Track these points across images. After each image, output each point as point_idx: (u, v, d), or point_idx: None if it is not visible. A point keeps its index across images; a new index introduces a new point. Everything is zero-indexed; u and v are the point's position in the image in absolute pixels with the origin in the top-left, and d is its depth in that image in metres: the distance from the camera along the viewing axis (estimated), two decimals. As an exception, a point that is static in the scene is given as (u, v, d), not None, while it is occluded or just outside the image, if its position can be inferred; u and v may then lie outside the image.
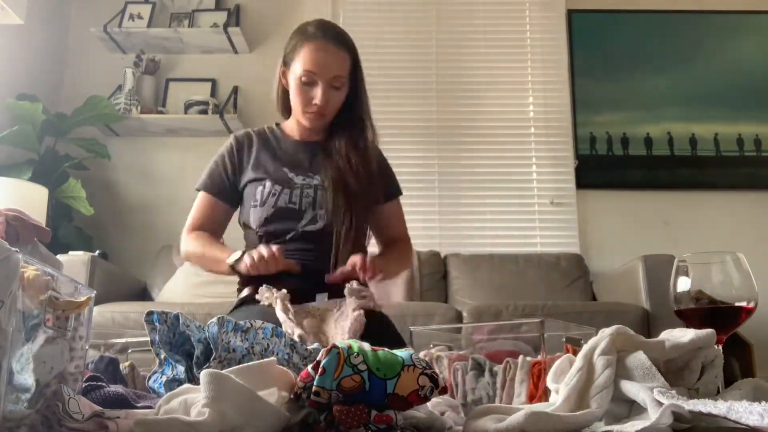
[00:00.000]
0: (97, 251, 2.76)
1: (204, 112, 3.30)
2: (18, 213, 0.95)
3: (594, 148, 3.44)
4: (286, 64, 1.57)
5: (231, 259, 1.42)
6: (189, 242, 1.57)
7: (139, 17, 3.46)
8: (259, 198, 1.51)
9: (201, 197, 1.62)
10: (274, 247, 1.36)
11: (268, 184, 1.52)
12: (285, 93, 1.61)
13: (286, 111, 1.64)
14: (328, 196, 1.50)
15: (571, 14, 3.58)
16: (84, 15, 3.54)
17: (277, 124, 1.69)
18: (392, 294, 2.95)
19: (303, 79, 1.50)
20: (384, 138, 3.86)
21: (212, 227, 1.60)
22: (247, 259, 1.37)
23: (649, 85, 3.50)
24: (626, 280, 2.68)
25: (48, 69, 3.42)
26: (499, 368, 0.92)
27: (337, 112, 1.57)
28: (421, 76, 3.52)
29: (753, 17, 3.58)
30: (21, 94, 3.06)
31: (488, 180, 3.42)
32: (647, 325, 2.45)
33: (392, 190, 1.69)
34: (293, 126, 1.64)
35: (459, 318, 2.48)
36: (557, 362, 0.73)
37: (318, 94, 1.50)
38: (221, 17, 3.45)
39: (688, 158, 3.42)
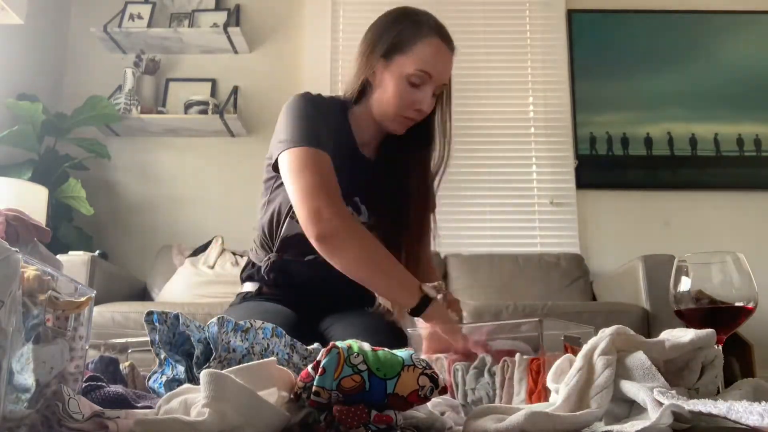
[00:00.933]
0: (97, 251, 2.76)
1: (204, 112, 3.30)
2: (18, 213, 0.95)
3: (594, 148, 3.43)
4: (389, 57, 1.31)
5: (415, 303, 1.14)
6: (363, 238, 1.19)
7: (139, 17, 3.46)
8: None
9: (316, 155, 1.23)
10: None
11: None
12: (363, 86, 1.36)
13: (353, 103, 1.39)
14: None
15: (571, 14, 3.58)
16: (84, 15, 3.54)
17: (349, 107, 1.40)
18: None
19: (413, 79, 1.30)
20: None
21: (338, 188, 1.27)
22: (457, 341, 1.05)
23: (649, 85, 3.50)
24: (626, 280, 2.68)
25: (48, 69, 3.42)
26: (497, 368, 0.92)
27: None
28: (421, 76, 3.52)
29: (753, 17, 3.58)
30: (21, 94, 3.06)
31: (488, 180, 3.42)
32: (647, 325, 2.45)
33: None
34: (361, 121, 1.39)
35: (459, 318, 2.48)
36: (557, 362, 0.73)
37: (426, 98, 1.32)
38: (221, 17, 3.45)
39: (688, 158, 3.42)
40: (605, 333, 0.69)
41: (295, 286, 1.38)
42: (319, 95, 1.38)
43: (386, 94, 1.31)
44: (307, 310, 1.36)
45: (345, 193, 1.25)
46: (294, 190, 1.21)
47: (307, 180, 1.20)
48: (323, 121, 1.30)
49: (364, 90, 1.37)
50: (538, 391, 0.87)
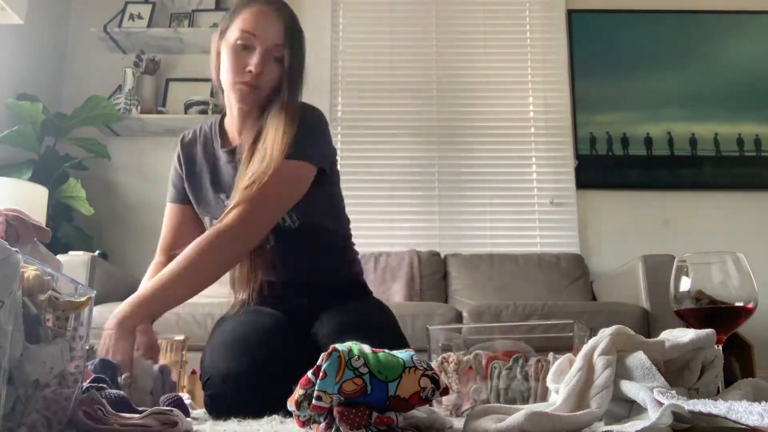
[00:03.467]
0: (97, 251, 2.76)
1: (204, 112, 3.30)
2: (18, 213, 0.94)
3: (594, 148, 3.43)
4: (223, 35, 1.43)
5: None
6: (151, 267, 1.49)
7: (139, 17, 3.46)
8: (208, 225, 1.47)
9: (169, 209, 1.57)
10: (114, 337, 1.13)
11: (206, 220, 1.47)
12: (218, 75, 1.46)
13: (220, 95, 1.50)
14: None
15: (571, 14, 3.58)
16: (84, 15, 3.54)
17: (223, 116, 1.53)
18: (392, 294, 2.95)
19: (239, 42, 1.36)
20: (384, 138, 3.86)
21: (185, 233, 1.48)
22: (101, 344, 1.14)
23: (649, 85, 3.50)
24: (626, 280, 2.68)
25: (48, 69, 3.42)
26: (530, 367, 0.93)
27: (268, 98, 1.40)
28: (421, 76, 3.52)
29: (753, 17, 3.58)
30: (21, 94, 3.06)
31: (488, 180, 3.42)
32: (647, 325, 2.45)
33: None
34: (228, 118, 1.49)
35: (459, 318, 2.48)
36: (557, 362, 0.73)
37: (255, 59, 1.35)
38: (221, 17, 3.45)
39: (688, 158, 3.42)
40: (605, 333, 0.69)
41: (281, 287, 1.41)
42: (192, 137, 1.55)
43: (223, 68, 1.41)
44: (300, 310, 1.37)
45: (230, 191, 1.40)
46: None
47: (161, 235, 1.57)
48: (190, 165, 1.51)
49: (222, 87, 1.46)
50: None
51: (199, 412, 1.29)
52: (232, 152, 1.44)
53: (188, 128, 1.60)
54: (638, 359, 0.66)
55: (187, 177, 1.52)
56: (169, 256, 1.44)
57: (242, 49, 1.36)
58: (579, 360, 0.67)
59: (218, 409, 1.15)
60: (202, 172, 1.50)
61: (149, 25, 3.43)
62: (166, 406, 0.88)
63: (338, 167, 1.54)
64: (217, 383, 1.17)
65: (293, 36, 1.41)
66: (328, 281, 1.43)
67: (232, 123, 1.48)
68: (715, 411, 0.56)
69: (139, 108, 3.30)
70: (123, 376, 1.01)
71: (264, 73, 1.37)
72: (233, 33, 1.38)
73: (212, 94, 3.43)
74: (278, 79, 1.40)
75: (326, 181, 1.43)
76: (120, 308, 1.17)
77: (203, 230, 1.48)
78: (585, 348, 0.68)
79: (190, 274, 1.22)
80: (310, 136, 1.40)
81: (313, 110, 1.46)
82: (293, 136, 1.34)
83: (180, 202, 1.55)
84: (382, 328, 1.33)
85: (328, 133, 1.48)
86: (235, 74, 1.37)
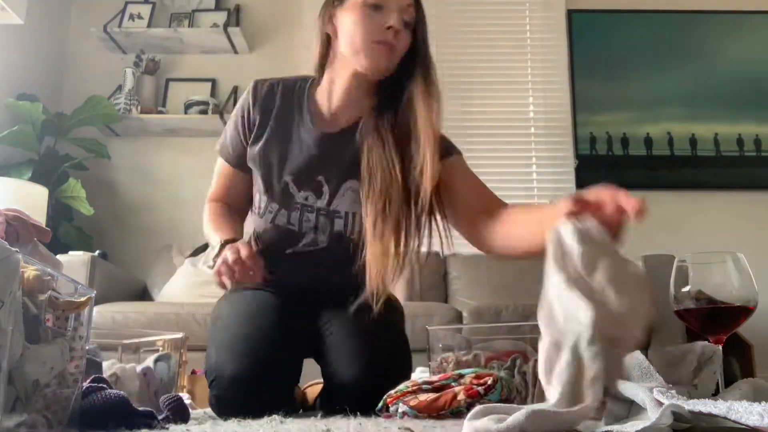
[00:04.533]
0: (97, 251, 2.76)
1: (204, 112, 3.30)
2: (18, 213, 0.95)
3: (594, 148, 3.43)
4: (341, 1, 1.27)
5: (208, 259, 1.27)
6: (207, 210, 1.41)
7: (139, 17, 3.46)
8: (256, 205, 1.36)
9: (220, 164, 1.42)
10: (244, 252, 1.17)
11: (264, 198, 1.34)
12: (327, 45, 1.31)
13: (322, 68, 1.34)
14: (349, 227, 1.29)
15: (571, 14, 3.58)
16: (84, 15, 3.54)
17: (313, 81, 1.36)
18: (392, 294, 2.94)
19: (371, 1, 1.22)
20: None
21: (236, 199, 1.41)
22: (218, 263, 1.19)
23: (649, 85, 3.50)
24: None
25: (48, 69, 3.42)
26: (528, 367, 0.93)
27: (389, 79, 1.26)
28: (421, 76, 3.52)
29: (753, 17, 3.58)
30: (21, 94, 3.06)
31: (488, 180, 3.38)
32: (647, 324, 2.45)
33: (444, 152, 1.31)
34: (325, 92, 1.33)
35: (459, 318, 2.48)
36: (543, 358, 0.72)
37: (393, 15, 1.21)
38: (221, 17, 3.45)
39: (688, 158, 3.42)
40: (584, 322, 0.66)
41: (284, 284, 1.34)
42: (271, 88, 1.36)
43: (350, 30, 1.24)
44: (304, 304, 1.33)
45: (301, 175, 1.30)
46: None
47: (213, 184, 1.46)
48: (260, 121, 1.33)
49: (327, 53, 1.32)
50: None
51: (199, 412, 1.29)
52: (326, 137, 1.30)
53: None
54: (636, 359, 0.66)
55: (257, 146, 1.33)
56: (222, 204, 1.41)
57: (374, 10, 1.22)
58: (566, 354, 0.66)
59: (224, 410, 1.16)
60: (276, 144, 1.33)
61: (149, 25, 3.43)
62: (167, 406, 0.88)
63: None
64: (224, 385, 1.17)
65: (419, 1, 1.28)
66: (332, 283, 1.34)
67: (327, 99, 1.32)
68: (715, 411, 0.56)
69: (139, 108, 3.30)
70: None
71: (402, 35, 1.23)
72: None
73: (212, 94, 3.44)
74: (406, 49, 1.26)
75: None
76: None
77: (251, 196, 1.39)
78: (570, 341, 0.66)
79: None
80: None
81: None
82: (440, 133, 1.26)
83: (235, 165, 1.40)
84: (386, 333, 1.30)
85: None
86: (372, 33, 1.21)
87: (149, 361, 1.10)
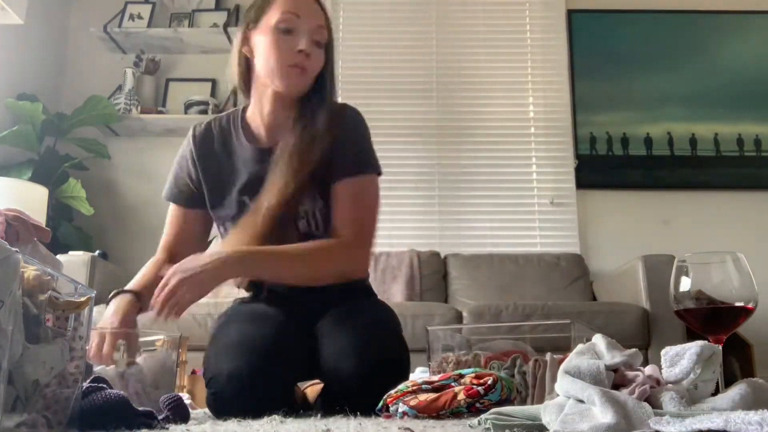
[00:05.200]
0: (97, 251, 2.76)
1: (204, 112, 3.30)
2: (18, 213, 0.95)
3: (594, 148, 3.43)
4: (253, 23, 1.34)
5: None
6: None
7: (139, 17, 3.46)
8: (222, 234, 1.40)
9: (171, 210, 1.45)
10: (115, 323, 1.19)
11: (230, 224, 1.37)
12: (246, 66, 1.38)
13: (245, 92, 1.42)
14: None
15: (571, 14, 3.58)
16: (84, 15, 3.53)
17: (244, 108, 1.44)
18: (392, 294, 2.95)
19: (281, 26, 1.29)
20: (384, 138, 3.86)
21: (188, 242, 1.42)
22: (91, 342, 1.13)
23: (649, 85, 3.50)
24: (626, 280, 2.68)
25: (48, 69, 3.42)
26: (527, 368, 0.93)
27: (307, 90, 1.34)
28: (421, 76, 3.52)
29: (753, 17, 3.58)
30: (21, 94, 3.06)
31: (488, 180, 3.42)
32: (647, 325, 2.45)
33: (345, 169, 1.34)
34: (256, 114, 1.39)
35: (459, 318, 2.48)
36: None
37: (303, 38, 1.29)
38: (221, 17, 3.45)
39: (688, 158, 3.42)
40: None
41: (282, 293, 1.37)
42: (208, 129, 1.43)
43: (265, 53, 1.31)
44: (302, 310, 1.34)
45: (253, 191, 1.34)
46: None
47: (164, 234, 1.47)
48: (204, 161, 1.39)
49: (248, 76, 1.39)
50: None
51: (199, 412, 1.29)
52: (264, 152, 1.35)
53: (188, 128, 1.52)
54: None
55: (204, 178, 1.40)
56: (171, 256, 1.40)
57: (285, 33, 1.29)
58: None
59: (221, 409, 1.15)
60: (222, 172, 1.39)
61: (149, 25, 3.43)
62: (166, 406, 0.88)
63: None
64: (221, 382, 1.17)
65: (328, 18, 1.36)
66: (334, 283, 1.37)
67: (259, 118, 1.39)
68: (713, 426, 0.55)
69: (139, 108, 3.30)
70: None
71: (313, 56, 1.31)
72: (273, 16, 1.30)
73: (212, 94, 3.44)
74: (321, 66, 1.34)
75: None
76: (216, 251, 1.21)
77: (207, 235, 1.45)
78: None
79: (302, 263, 1.27)
80: (369, 143, 1.39)
81: (354, 110, 1.41)
82: (358, 146, 1.35)
83: (186, 205, 1.43)
84: (385, 330, 1.31)
85: None
86: (283, 56, 1.29)
87: (122, 364, 1.09)
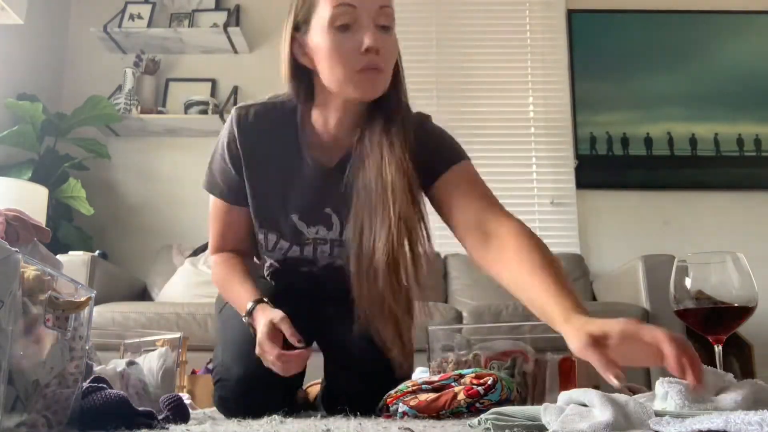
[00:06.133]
0: (97, 251, 2.76)
1: (204, 112, 3.30)
2: (18, 213, 0.95)
3: (594, 148, 3.43)
4: (301, 26, 1.12)
5: (244, 314, 1.17)
6: (215, 271, 1.28)
7: (139, 17, 3.46)
8: (263, 243, 1.26)
9: (214, 204, 1.28)
10: (286, 330, 1.08)
11: (272, 237, 1.24)
12: (301, 73, 1.15)
13: (306, 102, 1.19)
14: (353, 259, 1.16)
15: (571, 14, 3.58)
16: (84, 15, 3.54)
17: (297, 107, 1.21)
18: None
19: (337, 23, 1.05)
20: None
21: (240, 237, 1.29)
22: (258, 335, 1.10)
23: (649, 85, 3.49)
24: (626, 280, 2.68)
25: (48, 69, 3.42)
26: (528, 367, 0.93)
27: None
28: (421, 76, 3.52)
29: (753, 17, 3.58)
30: (21, 94, 3.06)
31: (488, 180, 3.38)
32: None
33: (440, 166, 1.18)
34: (319, 122, 1.19)
35: (459, 318, 2.48)
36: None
37: (366, 33, 1.05)
38: (221, 17, 3.45)
39: (688, 158, 3.42)
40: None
41: (295, 294, 1.31)
42: (256, 112, 1.21)
43: (326, 64, 1.08)
44: (307, 317, 1.33)
45: (308, 211, 1.21)
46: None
47: (210, 230, 1.31)
48: (248, 158, 1.20)
49: (311, 87, 1.17)
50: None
51: (199, 412, 1.29)
52: (334, 170, 1.19)
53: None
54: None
55: (251, 185, 1.21)
56: (229, 257, 1.27)
57: (343, 30, 1.06)
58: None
59: (229, 411, 1.16)
60: (273, 181, 1.20)
61: (149, 25, 3.43)
62: (166, 406, 0.88)
63: None
64: (229, 386, 1.17)
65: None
66: (343, 291, 1.28)
67: (325, 127, 1.18)
68: (713, 427, 0.55)
69: (139, 108, 3.30)
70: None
71: (384, 48, 1.08)
72: (324, 12, 1.06)
73: (212, 94, 3.44)
74: (397, 50, 1.13)
75: None
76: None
77: (251, 231, 1.28)
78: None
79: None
80: (451, 137, 1.25)
81: (421, 114, 1.24)
82: (446, 141, 1.22)
83: (231, 200, 1.25)
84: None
85: None
86: (349, 62, 1.06)
87: (122, 363, 1.09)
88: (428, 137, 1.21)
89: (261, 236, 1.26)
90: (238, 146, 1.20)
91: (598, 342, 0.75)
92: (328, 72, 1.09)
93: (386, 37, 1.09)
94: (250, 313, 1.14)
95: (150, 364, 1.14)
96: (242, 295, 1.18)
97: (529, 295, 0.96)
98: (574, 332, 0.78)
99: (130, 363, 1.09)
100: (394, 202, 1.10)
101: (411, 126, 1.17)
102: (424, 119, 1.25)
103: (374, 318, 1.13)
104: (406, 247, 1.11)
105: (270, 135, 1.20)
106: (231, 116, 1.22)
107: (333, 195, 1.20)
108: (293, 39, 1.13)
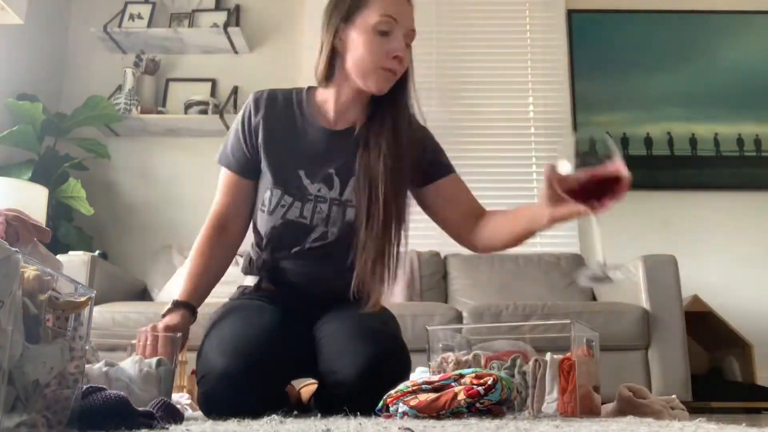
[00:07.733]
0: (97, 251, 2.76)
1: (204, 112, 3.31)
2: (18, 213, 0.95)
3: (594, 148, 3.43)
4: (349, 18, 1.33)
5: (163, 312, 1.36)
6: (197, 240, 1.43)
7: (139, 17, 3.46)
8: (267, 204, 1.37)
9: (223, 174, 1.44)
10: (159, 331, 1.24)
11: (277, 192, 1.36)
12: (332, 59, 1.37)
13: (326, 80, 1.39)
14: (358, 214, 1.34)
15: (571, 14, 3.58)
16: (84, 15, 3.54)
17: (309, 88, 1.45)
18: (392, 294, 2.94)
19: (380, 28, 1.30)
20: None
21: (240, 207, 1.43)
22: (140, 335, 1.21)
23: (649, 85, 3.50)
24: (626, 280, 2.68)
25: (48, 69, 3.42)
26: (527, 367, 0.93)
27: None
28: (421, 76, 3.50)
29: (753, 17, 3.58)
30: (21, 94, 3.06)
31: (488, 180, 3.42)
32: (647, 325, 2.45)
33: (441, 171, 1.47)
34: (328, 99, 1.41)
35: (459, 318, 2.48)
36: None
37: (400, 44, 1.31)
38: (221, 17, 3.45)
39: (688, 158, 3.42)
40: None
41: (289, 285, 1.39)
42: (272, 95, 1.43)
43: (358, 51, 1.32)
44: (302, 310, 1.35)
45: (313, 168, 1.37)
46: None
47: (215, 198, 1.47)
48: (263, 126, 1.40)
49: (333, 66, 1.38)
50: (570, 391, 0.87)
51: (199, 412, 1.29)
52: (338, 134, 1.39)
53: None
54: None
55: (265, 146, 1.39)
56: (221, 225, 1.41)
57: (382, 35, 1.31)
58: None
59: (212, 408, 1.15)
60: (284, 142, 1.40)
61: (149, 25, 3.43)
62: (156, 410, 0.88)
63: None
64: (212, 381, 1.17)
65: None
66: (331, 286, 1.38)
67: (334, 103, 1.40)
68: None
69: (139, 108, 3.30)
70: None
71: (405, 59, 1.35)
72: (371, 16, 1.30)
73: (212, 94, 3.44)
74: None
75: None
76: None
77: (254, 207, 1.43)
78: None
79: None
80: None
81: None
82: (442, 151, 1.53)
83: (238, 172, 1.42)
84: (384, 332, 1.30)
85: None
86: (378, 59, 1.31)
87: (103, 363, 1.09)
88: (429, 144, 1.50)
89: (267, 194, 1.38)
90: (251, 119, 1.40)
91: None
92: (358, 60, 1.32)
93: (407, 51, 1.36)
94: (168, 312, 1.35)
95: (129, 371, 1.12)
96: (180, 289, 1.43)
97: (518, 222, 1.29)
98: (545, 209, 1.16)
99: (109, 364, 1.08)
100: (387, 180, 1.34)
101: (417, 127, 1.45)
102: (425, 128, 1.51)
103: (370, 256, 1.32)
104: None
105: (283, 104, 1.42)
106: (249, 99, 1.44)
107: (334, 158, 1.38)
108: (336, 26, 1.35)
